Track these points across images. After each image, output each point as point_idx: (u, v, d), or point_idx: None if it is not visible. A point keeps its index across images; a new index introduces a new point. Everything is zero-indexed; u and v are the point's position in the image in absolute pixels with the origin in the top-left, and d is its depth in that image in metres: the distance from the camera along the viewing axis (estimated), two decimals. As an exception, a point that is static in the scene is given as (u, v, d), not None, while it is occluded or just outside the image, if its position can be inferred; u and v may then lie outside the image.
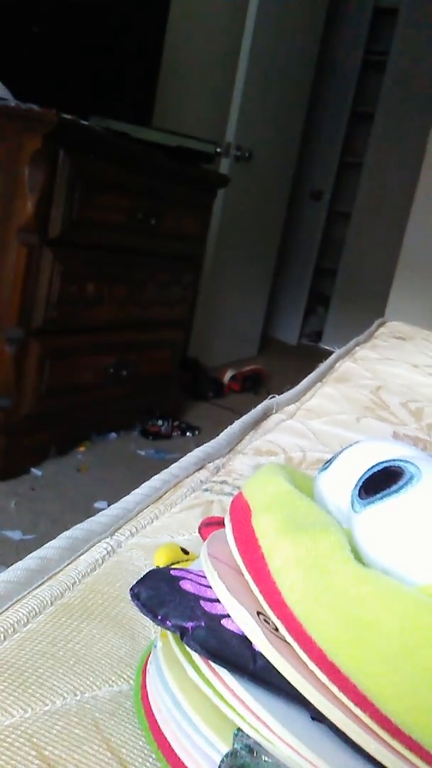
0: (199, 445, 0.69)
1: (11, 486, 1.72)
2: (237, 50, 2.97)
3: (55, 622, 0.38)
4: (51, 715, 0.31)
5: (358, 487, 0.33)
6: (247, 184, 3.28)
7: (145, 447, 2.16)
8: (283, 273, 4.54)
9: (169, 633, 0.31)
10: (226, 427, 0.77)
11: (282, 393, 0.97)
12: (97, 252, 1.84)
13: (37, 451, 1.86)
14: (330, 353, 1.30)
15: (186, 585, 0.31)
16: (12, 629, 0.37)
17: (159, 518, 0.53)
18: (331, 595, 0.27)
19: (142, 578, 0.32)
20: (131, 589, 0.31)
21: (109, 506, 0.52)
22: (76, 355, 1.87)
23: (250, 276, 3.65)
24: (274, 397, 0.93)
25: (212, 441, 0.71)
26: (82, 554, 0.46)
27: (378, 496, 0.31)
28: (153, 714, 0.31)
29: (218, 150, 2.25)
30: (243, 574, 0.30)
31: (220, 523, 0.41)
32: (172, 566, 0.38)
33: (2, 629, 0.37)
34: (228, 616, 0.29)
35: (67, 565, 0.44)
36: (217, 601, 0.30)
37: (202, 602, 0.30)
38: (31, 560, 0.42)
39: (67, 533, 0.46)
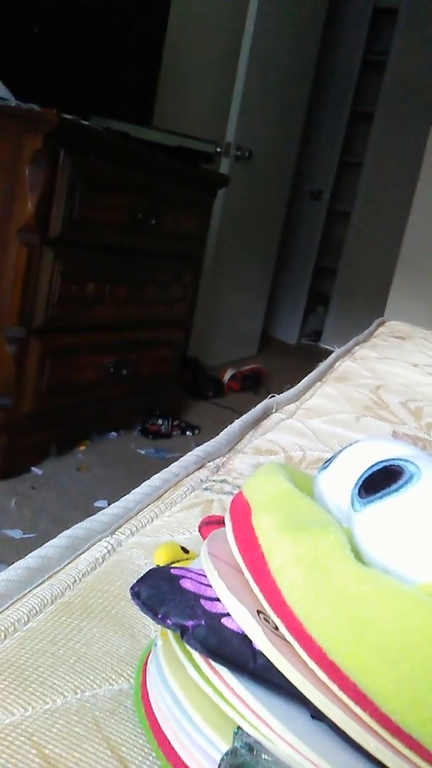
0: (199, 444, 0.69)
1: (11, 485, 1.72)
2: (237, 50, 2.97)
3: (56, 620, 0.38)
4: (51, 714, 0.31)
5: (358, 486, 0.33)
6: (247, 184, 3.28)
7: (145, 446, 2.16)
8: (282, 272, 4.54)
9: (169, 631, 0.31)
10: (225, 426, 0.77)
11: (282, 392, 0.97)
12: (97, 251, 1.85)
13: (37, 450, 1.86)
14: (329, 352, 1.30)
15: (186, 584, 0.31)
16: (13, 628, 0.37)
17: (159, 517, 0.53)
18: (330, 594, 0.27)
19: (142, 577, 0.32)
20: (132, 588, 0.31)
21: (109, 505, 0.52)
22: (77, 354, 1.88)
23: (249, 275, 3.66)
24: (274, 396, 0.93)
25: (212, 440, 0.71)
26: (82, 553, 0.46)
27: (378, 495, 0.31)
28: (153, 712, 0.31)
29: (218, 150, 2.26)
30: (243, 573, 0.30)
31: (220, 522, 0.41)
32: (173, 565, 0.38)
33: (3, 628, 0.37)
34: (228, 614, 0.29)
35: (68, 563, 0.44)
36: (218, 599, 0.30)
37: (202, 601, 0.30)
38: (31, 559, 0.42)
39: (67, 532, 0.46)
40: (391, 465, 0.32)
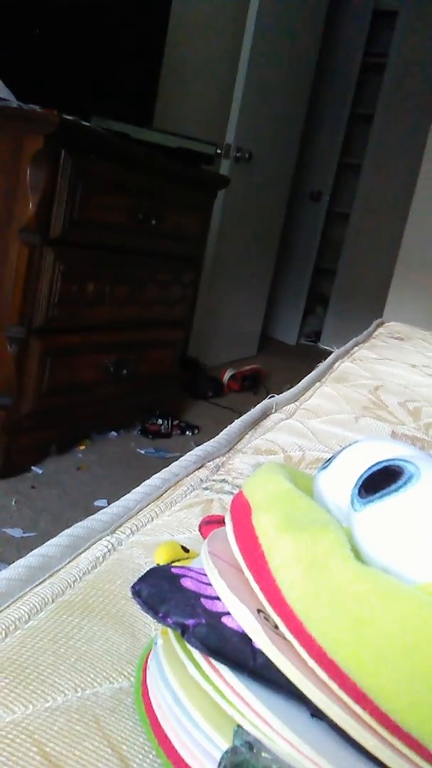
0: (199, 444, 0.69)
1: (12, 484, 1.72)
2: (237, 52, 2.97)
3: (57, 619, 0.38)
4: (52, 712, 0.32)
5: (357, 486, 0.33)
6: (247, 185, 3.28)
7: (144, 446, 2.16)
8: (282, 273, 4.54)
9: (169, 630, 0.31)
10: (225, 426, 0.78)
11: (281, 392, 0.97)
12: (98, 252, 1.85)
13: (37, 450, 1.87)
14: (328, 353, 1.30)
15: (187, 583, 0.31)
16: (14, 626, 0.37)
17: (159, 516, 0.54)
18: (330, 593, 0.27)
19: (143, 576, 0.32)
20: (133, 587, 0.31)
21: (109, 504, 0.52)
22: (77, 354, 1.88)
23: (249, 276, 3.66)
24: (273, 396, 0.93)
25: (212, 440, 0.71)
26: (83, 552, 0.46)
27: (378, 495, 0.31)
28: (153, 710, 0.31)
29: (218, 151, 2.26)
30: (243, 572, 0.30)
31: (220, 521, 0.41)
32: (173, 564, 0.38)
33: (4, 626, 0.37)
34: (228, 613, 0.29)
35: (69, 562, 0.44)
36: (218, 598, 0.30)
37: (202, 600, 0.30)
38: (32, 557, 0.42)
39: (68, 531, 0.47)
40: (390, 465, 0.32)
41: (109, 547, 0.47)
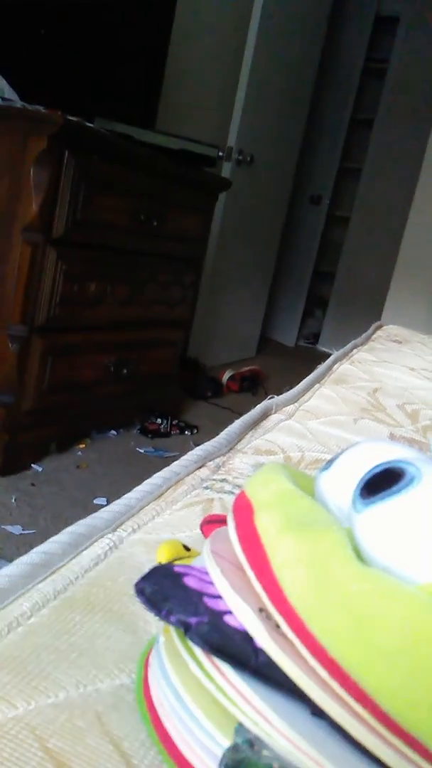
0: (198, 444, 0.70)
1: (12, 481, 1.72)
2: (240, 56, 2.98)
3: (59, 615, 0.39)
4: (54, 708, 0.32)
5: (359, 488, 0.33)
6: (248, 188, 3.28)
7: (144, 445, 2.16)
8: (282, 276, 4.55)
9: (171, 628, 0.31)
10: (224, 427, 0.78)
11: (281, 393, 0.98)
12: (99, 252, 1.85)
13: (37, 448, 1.87)
14: (327, 355, 1.30)
15: (189, 581, 0.31)
16: (16, 622, 0.37)
17: (160, 515, 0.54)
18: (332, 593, 0.27)
19: (146, 574, 0.32)
20: (136, 585, 0.31)
21: (108, 503, 0.53)
22: (78, 353, 1.88)
23: (249, 278, 3.66)
24: (273, 397, 0.93)
25: (212, 440, 0.71)
26: (84, 549, 0.46)
27: (379, 496, 0.31)
28: (155, 707, 0.31)
29: (220, 154, 2.26)
30: (245, 571, 0.31)
31: (221, 520, 0.41)
32: (175, 562, 0.38)
33: (6, 622, 0.37)
34: (230, 612, 0.29)
35: (71, 559, 0.44)
36: (220, 597, 0.30)
37: (205, 598, 0.30)
38: (34, 554, 0.43)
39: (69, 528, 0.47)
40: (392, 467, 0.33)
41: (111, 544, 0.47)
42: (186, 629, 0.28)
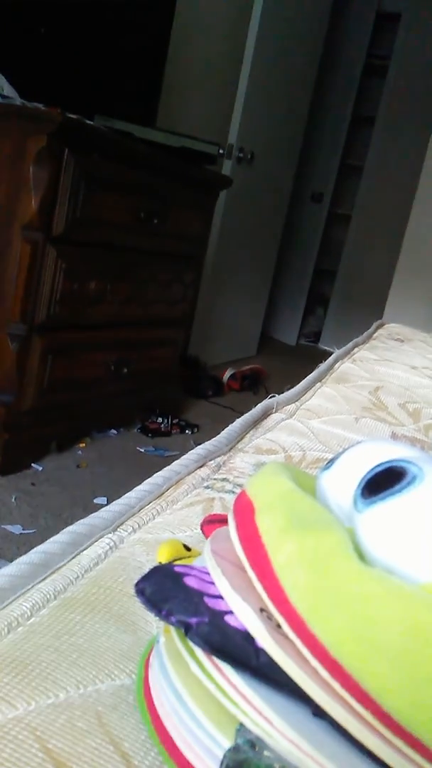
0: (198, 443, 0.70)
1: (12, 481, 1.72)
2: (241, 53, 2.97)
3: (59, 616, 0.38)
4: (54, 708, 0.32)
5: (360, 487, 0.33)
6: (249, 186, 3.28)
7: (144, 444, 2.16)
8: (283, 274, 4.55)
9: (172, 628, 0.31)
10: (225, 426, 0.78)
11: (282, 392, 0.97)
12: (99, 250, 1.85)
13: (37, 447, 1.87)
14: (328, 354, 1.30)
15: (190, 581, 0.31)
16: (16, 622, 0.37)
17: (161, 514, 0.54)
18: (333, 593, 0.27)
19: (146, 574, 0.32)
20: (136, 585, 0.31)
21: (108, 502, 0.53)
22: (78, 351, 1.88)
23: (250, 276, 3.66)
24: (274, 396, 0.93)
25: (213, 439, 0.71)
26: (85, 549, 0.46)
27: (381, 495, 0.31)
28: (155, 708, 0.31)
29: (221, 151, 2.25)
30: (246, 571, 0.31)
31: (222, 520, 0.41)
32: (175, 562, 0.38)
33: (6, 622, 0.37)
34: (231, 612, 0.29)
35: (71, 559, 0.44)
36: (221, 597, 0.30)
37: (205, 598, 0.30)
38: (34, 554, 0.43)
39: (69, 528, 0.47)
40: (394, 466, 0.33)
41: (111, 544, 0.47)
42: (186, 629, 0.28)
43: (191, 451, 0.66)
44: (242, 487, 0.36)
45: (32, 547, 0.44)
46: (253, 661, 0.28)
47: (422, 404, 1.06)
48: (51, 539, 0.45)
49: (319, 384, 1.08)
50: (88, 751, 0.30)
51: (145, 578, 0.31)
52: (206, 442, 0.70)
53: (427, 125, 3.84)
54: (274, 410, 0.90)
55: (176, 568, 0.33)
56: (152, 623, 0.39)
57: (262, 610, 0.29)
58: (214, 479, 0.63)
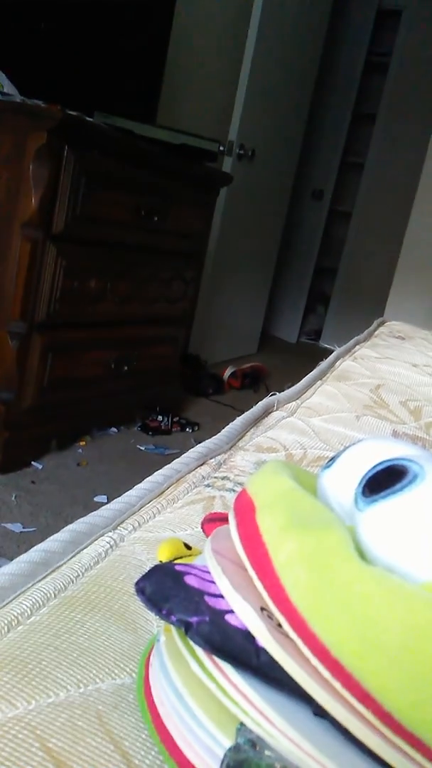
0: (199, 441, 0.70)
1: (12, 479, 1.72)
2: (241, 49, 2.97)
3: (59, 614, 0.38)
4: (54, 707, 0.32)
5: (361, 485, 0.33)
6: (250, 183, 3.28)
7: (144, 442, 2.16)
8: (283, 271, 4.54)
9: (172, 627, 0.31)
10: (225, 424, 0.78)
11: (283, 390, 0.97)
12: (100, 248, 1.85)
13: (37, 445, 1.87)
14: (329, 351, 1.30)
15: (190, 580, 0.31)
16: (16, 621, 0.37)
17: (161, 513, 0.54)
18: (334, 592, 0.27)
19: (147, 573, 0.32)
20: (136, 584, 0.31)
21: (109, 500, 0.53)
22: (78, 349, 1.88)
23: (251, 274, 3.66)
24: (275, 394, 0.93)
25: (214, 437, 0.71)
26: (85, 547, 0.46)
27: (382, 494, 0.31)
28: (156, 707, 0.31)
29: (221, 148, 2.26)
30: (247, 570, 0.30)
31: (223, 519, 0.41)
32: (176, 561, 0.38)
33: (6, 621, 0.37)
34: (232, 611, 0.29)
35: (71, 558, 0.44)
36: (221, 596, 0.30)
37: (206, 597, 0.30)
38: (34, 553, 0.43)
39: (70, 527, 0.47)
40: (394, 464, 0.33)
41: (111, 543, 0.47)
42: (187, 629, 0.28)
43: (192, 450, 0.66)
44: (243, 485, 0.36)
45: (32, 546, 0.44)
46: (254, 661, 0.27)
47: (423, 402, 1.06)
48: (51, 538, 0.45)
49: (320, 382, 1.08)
50: (88, 750, 0.30)
51: (146, 577, 0.31)
52: (207, 441, 0.70)
53: (428, 122, 3.84)
54: (274, 408, 0.90)
55: (177, 567, 0.33)
56: (153, 622, 0.39)
57: (262, 609, 0.29)
58: (215, 477, 0.62)
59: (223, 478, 0.62)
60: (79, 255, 1.75)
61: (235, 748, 0.27)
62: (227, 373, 3.09)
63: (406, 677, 0.25)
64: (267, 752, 0.26)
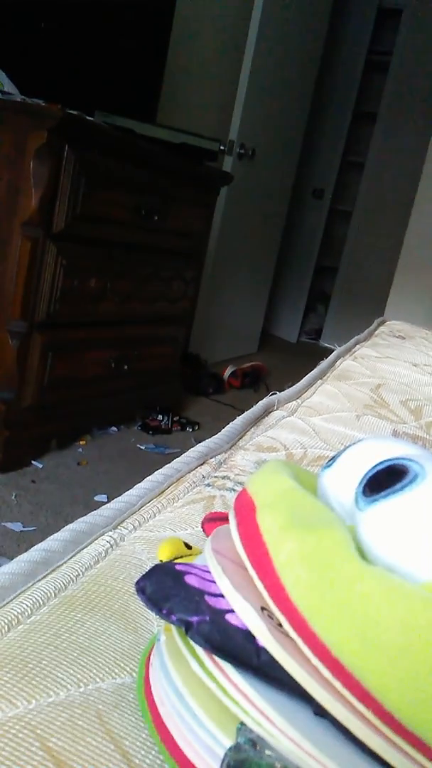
0: (199, 441, 0.69)
1: (12, 478, 1.72)
2: (241, 49, 2.97)
3: (59, 614, 0.38)
4: (55, 707, 0.32)
5: (362, 485, 0.33)
6: (250, 182, 3.27)
7: (145, 441, 2.16)
8: (284, 271, 4.54)
9: (172, 627, 0.31)
10: (225, 423, 0.78)
11: (283, 390, 0.97)
12: (100, 247, 1.85)
13: (38, 444, 1.87)
14: (329, 351, 1.30)
15: (190, 580, 0.31)
16: (16, 620, 0.37)
17: (161, 512, 0.54)
18: (335, 592, 0.27)
19: (147, 573, 0.32)
20: (137, 583, 0.31)
21: (109, 499, 0.53)
22: (79, 349, 1.88)
23: (251, 273, 3.66)
24: (275, 393, 0.93)
25: (214, 436, 0.71)
26: (85, 547, 0.46)
27: (382, 494, 0.31)
28: (156, 707, 0.31)
29: (222, 148, 2.26)
30: (247, 570, 0.30)
31: (223, 518, 0.41)
32: (176, 561, 0.38)
33: (6, 620, 0.37)
34: (232, 611, 0.29)
35: (71, 557, 0.44)
36: (222, 596, 0.30)
37: (206, 597, 0.30)
38: (35, 552, 0.42)
39: (70, 526, 0.47)
40: (395, 464, 0.32)
41: (112, 542, 0.47)
42: (187, 628, 0.28)
43: (192, 449, 0.66)
44: (243, 485, 0.36)
45: (32, 545, 0.44)
46: (254, 660, 0.27)
47: (424, 401, 1.05)
48: (51, 537, 0.45)
49: (320, 381, 1.08)
50: (88, 749, 0.30)
51: (146, 576, 0.31)
52: (207, 440, 0.69)
53: (429, 121, 3.84)
54: (275, 408, 0.90)
55: (177, 567, 0.33)
56: (153, 622, 0.39)
57: (263, 608, 0.29)
58: (215, 477, 0.62)
59: (223, 478, 0.62)
60: (79, 254, 1.75)
61: (236, 748, 0.27)
62: (227, 372, 3.09)
63: (407, 677, 0.25)
64: (267, 752, 0.26)
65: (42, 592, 0.40)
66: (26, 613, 0.38)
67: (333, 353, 1.28)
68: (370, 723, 0.25)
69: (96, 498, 1.73)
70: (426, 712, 0.24)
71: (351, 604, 0.26)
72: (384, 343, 1.49)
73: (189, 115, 2.80)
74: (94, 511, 0.50)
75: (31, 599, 0.39)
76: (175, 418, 2.34)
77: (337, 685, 0.26)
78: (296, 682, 0.27)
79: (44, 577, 0.42)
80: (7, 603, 0.39)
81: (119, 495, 0.54)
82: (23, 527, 1.50)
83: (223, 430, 0.74)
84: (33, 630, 0.37)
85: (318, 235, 4.65)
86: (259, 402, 0.88)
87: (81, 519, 0.48)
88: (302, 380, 1.05)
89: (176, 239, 2.19)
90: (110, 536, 0.47)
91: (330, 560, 0.28)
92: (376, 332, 1.65)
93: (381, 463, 0.33)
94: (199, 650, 0.29)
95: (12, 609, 0.38)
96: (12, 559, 0.42)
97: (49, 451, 1.91)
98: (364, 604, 0.26)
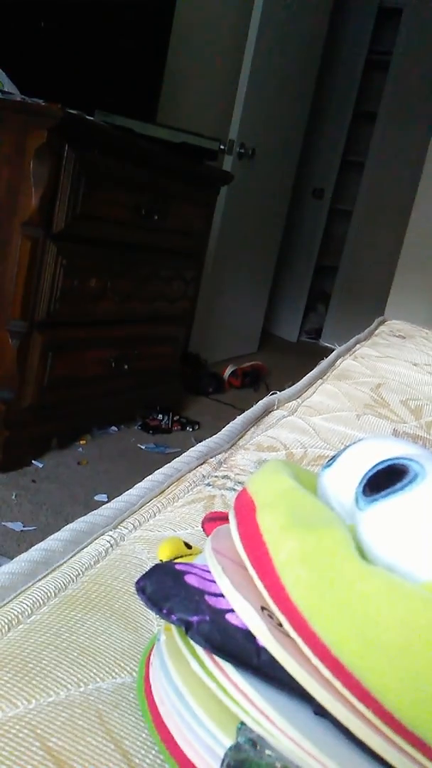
0: (199, 440, 0.69)
1: (12, 477, 1.72)
2: (242, 48, 2.96)
3: (59, 613, 0.38)
4: (55, 707, 0.32)
5: (362, 485, 0.33)
6: (250, 182, 3.27)
7: (145, 441, 2.16)
8: (284, 270, 4.54)
9: (173, 626, 0.31)
10: (225, 423, 0.78)
11: (283, 389, 0.97)
12: (100, 247, 1.85)
13: (38, 444, 1.87)
14: (329, 350, 1.30)
15: (191, 579, 0.31)
16: (16, 620, 0.37)
17: (162, 512, 0.54)
18: (335, 591, 0.27)
19: (147, 572, 0.32)
20: (137, 583, 0.31)
21: (109, 499, 0.53)
22: (79, 348, 1.88)
23: (251, 273, 3.65)
24: (275, 393, 0.93)
25: (214, 436, 0.71)
26: (85, 546, 0.46)
27: (383, 494, 0.31)
28: (156, 706, 0.31)
29: (222, 147, 2.26)
30: (247, 570, 0.30)
31: (223, 518, 0.41)
32: (176, 560, 0.38)
33: (6, 620, 0.37)
34: (232, 610, 0.29)
35: (71, 557, 0.44)
36: (222, 595, 0.30)
37: (206, 597, 0.30)
38: (35, 552, 0.42)
39: (70, 525, 0.47)
40: (395, 464, 0.32)
41: (112, 542, 0.47)
42: (187, 628, 0.28)
43: (192, 449, 0.66)
44: (243, 484, 0.36)
45: (33, 545, 0.44)
46: (255, 660, 0.27)
47: (424, 401, 1.05)
48: (52, 536, 0.45)
49: (320, 381, 1.08)
50: (88, 749, 0.30)
51: (146, 576, 0.31)
52: (207, 440, 0.69)
53: (429, 121, 3.84)
54: (275, 407, 0.90)
55: (177, 566, 0.32)
56: (153, 621, 0.39)
57: (263, 608, 0.29)
58: (215, 476, 0.62)
59: (223, 477, 0.62)
60: (79, 254, 1.75)
61: (236, 748, 0.27)
62: (227, 371, 3.09)
63: (407, 676, 0.25)
64: (267, 751, 0.26)
65: (42, 592, 0.40)
66: (26, 613, 0.38)
67: (333, 353, 1.28)
68: (370, 723, 0.25)
69: (96, 498, 1.73)
70: (426, 712, 0.24)
71: (351, 603, 0.26)
72: (384, 343, 1.49)
73: (189, 115, 2.80)
74: (94, 511, 0.50)
75: (31, 599, 0.39)
76: (175, 418, 2.34)
77: (337, 684, 0.26)
78: (296, 681, 0.27)
79: (44, 576, 0.42)
80: (8, 602, 0.39)
81: (119, 495, 0.54)
82: (23, 527, 1.50)
83: (223, 429, 0.74)
84: (33, 630, 0.37)
85: (318, 234, 4.65)
86: (259, 401, 0.88)
87: (81, 519, 0.48)
88: (302, 380, 1.05)
89: (176, 239, 2.19)
90: (110, 536, 0.47)
91: (330, 560, 0.28)
92: (377, 332, 1.65)
93: (381, 462, 0.33)
94: (199, 650, 0.29)
95: (12, 608, 0.38)
96: (12, 559, 0.42)
97: (50, 451, 1.91)
98: (364, 603, 0.26)
